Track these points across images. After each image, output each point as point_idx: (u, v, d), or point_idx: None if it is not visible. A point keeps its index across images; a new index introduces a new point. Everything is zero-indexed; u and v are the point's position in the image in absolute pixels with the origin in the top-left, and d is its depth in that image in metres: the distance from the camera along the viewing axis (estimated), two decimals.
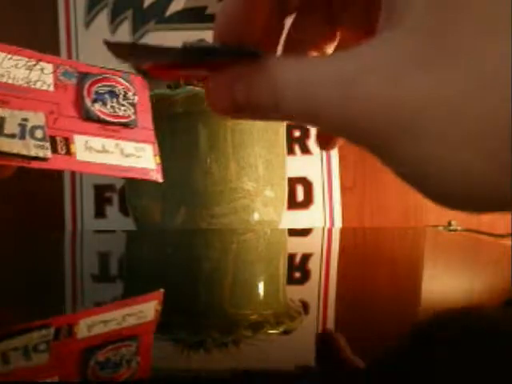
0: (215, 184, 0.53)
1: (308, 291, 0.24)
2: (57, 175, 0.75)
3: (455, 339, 0.14)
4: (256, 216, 0.54)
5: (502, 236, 0.70)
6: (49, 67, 0.37)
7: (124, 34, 0.75)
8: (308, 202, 0.76)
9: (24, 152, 0.34)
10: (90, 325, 0.15)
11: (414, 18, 0.15)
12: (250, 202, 0.54)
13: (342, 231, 0.66)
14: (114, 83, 0.39)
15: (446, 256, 0.37)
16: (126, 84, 0.40)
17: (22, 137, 0.34)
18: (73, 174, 0.75)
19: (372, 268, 0.32)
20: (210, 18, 0.75)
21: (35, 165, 0.35)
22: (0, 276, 0.25)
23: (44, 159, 0.35)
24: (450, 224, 0.69)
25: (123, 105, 0.39)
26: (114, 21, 0.76)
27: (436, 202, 0.18)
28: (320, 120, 0.19)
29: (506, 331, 0.15)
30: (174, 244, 0.41)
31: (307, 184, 0.75)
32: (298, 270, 0.28)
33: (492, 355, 0.13)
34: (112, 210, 0.74)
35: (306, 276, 0.26)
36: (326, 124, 0.19)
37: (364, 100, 0.17)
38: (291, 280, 0.25)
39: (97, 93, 0.38)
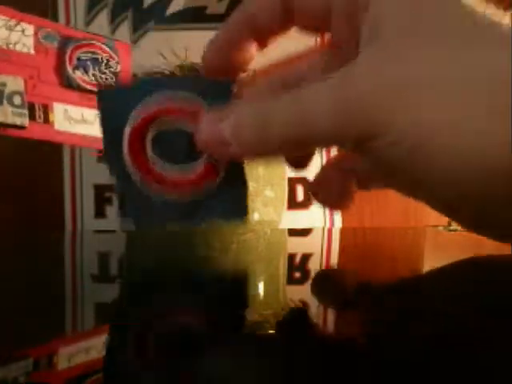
0: None
1: (308, 291, 0.24)
2: (56, 175, 0.75)
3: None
4: (256, 216, 0.54)
5: None
6: (30, 28, 0.35)
7: (124, 34, 0.75)
8: (308, 202, 0.76)
9: (1, 119, 0.33)
10: (71, 355, 0.14)
11: (390, 35, 0.19)
12: (249, 201, 0.54)
13: (342, 231, 0.65)
14: (97, 49, 0.38)
15: (446, 256, 0.37)
16: (110, 51, 0.38)
17: (0, 103, 0.33)
18: (73, 173, 0.75)
19: (372, 268, 0.32)
20: (210, 18, 0.75)
21: (11, 133, 0.33)
22: (0, 275, 0.25)
23: (21, 127, 0.33)
24: (450, 224, 0.69)
25: (105, 73, 0.37)
26: (114, 21, 0.76)
27: (448, 178, 0.19)
28: (316, 132, 0.19)
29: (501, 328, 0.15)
30: (174, 244, 0.41)
31: (307, 184, 0.75)
32: (298, 270, 0.28)
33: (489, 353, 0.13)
34: (112, 210, 0.74)
35: (306, 276, 0.26)
36: (322, 134, 0.19)
37: (365, 83, 0.19)
38: (291, 280, 0.25)
39: (79, 59, 0.36)
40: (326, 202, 0.29)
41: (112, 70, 0.38)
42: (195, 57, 0.54)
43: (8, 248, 0.39)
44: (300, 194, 0.75)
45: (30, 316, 0.17)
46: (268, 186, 0.56)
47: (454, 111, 0.18)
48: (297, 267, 0.28)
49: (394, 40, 0.19)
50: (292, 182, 0.70)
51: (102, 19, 0.76)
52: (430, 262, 0.36)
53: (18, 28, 0.34)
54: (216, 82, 0.24)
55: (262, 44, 0.26)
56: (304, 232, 0.53)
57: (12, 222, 0.74)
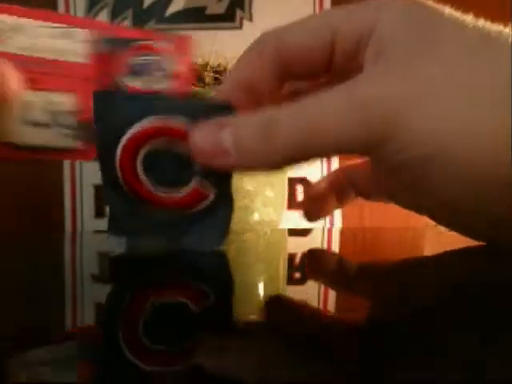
0: None
1: (308, 292, 0.24)
2: (56, 175, 0.75)
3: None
4: (256, 216, 0.54)
5: None
6: (83, 35, 0.32)
7: None
8: None
9: (52, 144, 0.30)
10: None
11: (396, 48, 0.19)
12: (249, 202, 0.54)
13: (342, 231, 0.65)
14: (153, 52, 0.34)
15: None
16: (168, 52, 0.34)
17: (51, 125, 0.30)
18: (73, 173, 0.75)
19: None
20: (210, 18, 0.75)
21: (65, 157, 0.32)
22: None
23: (74, 150, 0.32)
24: None
25: (159, 79, 0.34)
26: (114, 20, 0.76)
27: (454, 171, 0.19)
28: (324, 138, 0.19)
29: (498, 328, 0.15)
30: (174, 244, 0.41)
31: (307, 184, 0.75)
32: (298, 270, 0.28)
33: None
34: None
35: (306, 276, 0.26)
36: (332, 140, 0.19)
37: (375, 90, 0.19)
38: (291, 280, 0.25)
39: (132, 65, 0.33)
40: (308, 217, 0.30)
41: (165, 73, 0.35)
42: (195, 57, 0.54)
43: (8, 248, 0.39)
44: (300, 194, 0.75)
45: (29, 316, 0.17)
46: (268, 186, 0.56)
47: (465, 120, 0.18)
48: (297, 267, 0.28)
49: (401, 52, 0.19)
50: (292, 182, 0.70)
51: (102, 19, 0.76)
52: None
53: (71, 35, 0.31)
54: (215, 106, 0.24)
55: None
56: (304, 232, 0.53)
57: (12, 222, 0.74)
